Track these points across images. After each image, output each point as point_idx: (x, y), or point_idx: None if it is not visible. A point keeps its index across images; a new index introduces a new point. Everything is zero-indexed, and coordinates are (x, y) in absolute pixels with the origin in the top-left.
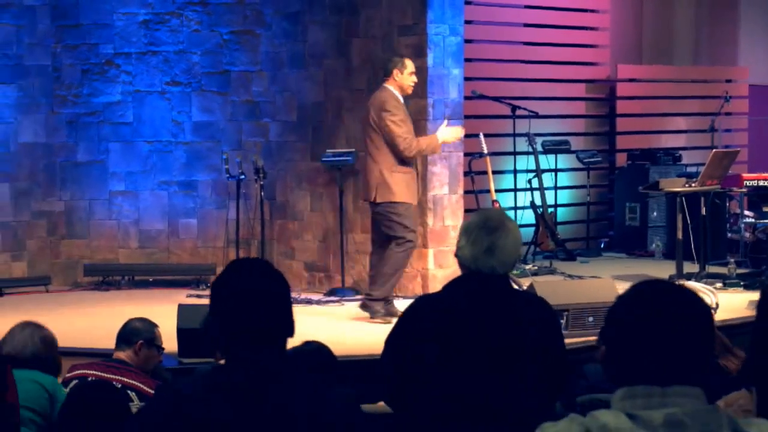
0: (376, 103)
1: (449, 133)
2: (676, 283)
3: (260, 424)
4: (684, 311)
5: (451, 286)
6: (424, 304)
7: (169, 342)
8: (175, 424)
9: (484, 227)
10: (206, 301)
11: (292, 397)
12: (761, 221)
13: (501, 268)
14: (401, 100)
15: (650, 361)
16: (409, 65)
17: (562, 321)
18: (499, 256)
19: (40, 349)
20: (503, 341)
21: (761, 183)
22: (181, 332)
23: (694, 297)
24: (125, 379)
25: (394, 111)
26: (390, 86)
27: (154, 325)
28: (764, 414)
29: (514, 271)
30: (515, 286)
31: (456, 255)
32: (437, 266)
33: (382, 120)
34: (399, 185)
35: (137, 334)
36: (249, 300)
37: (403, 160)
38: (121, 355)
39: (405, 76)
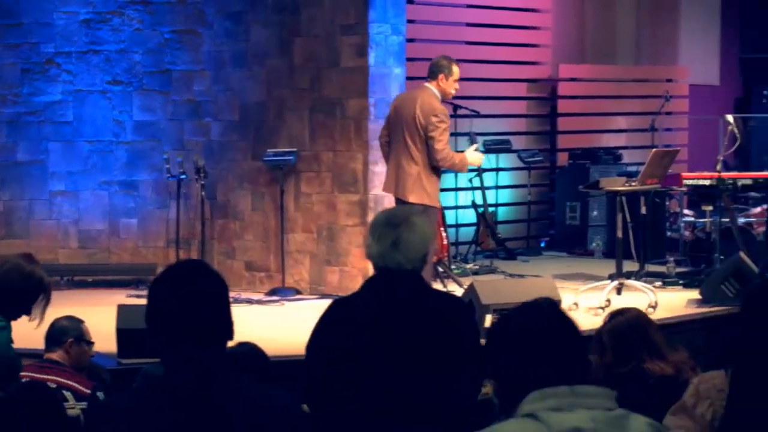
0: (425, 104)
1: (476, 157)
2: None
3: (200, 428)
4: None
5: (365, 286)
6: (338, 306)
7: (109, 343)
8: None
9: (388, 223)
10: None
11: (234, 400)
12: (701, 220)
13: (407, 263)
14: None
15: (537, 366)
16: (456, 72)
17: None
18: (404, 251)
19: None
20: (415, 339)
21: (701, 182)
22: (120, 333)
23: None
24: (60, 379)
25: (443, 118)
26: (433, 88)
27: (80, 321)
28: (737, 394)
29: (455, 270)
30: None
31: (366, 254)
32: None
33: (431, 124)
34: (434, 188)
35: (65, 332)
36: (187, 301)
37: (435, 165)
38: (53, 355)
39: (449, 83)
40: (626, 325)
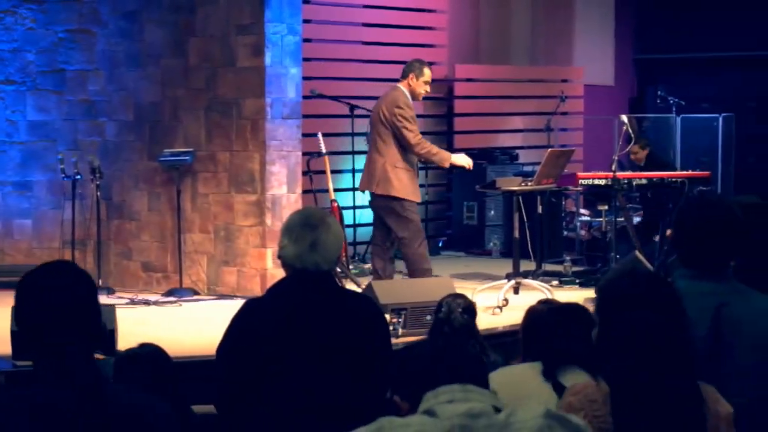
0: (389, 99)
1: (464, 159)
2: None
3: None
4: None
5: (277, 287)
6: (251, 307)
7: (4, 344)
8: None
9: (306, 225)
10: None
11: (102, 407)
12: (596, 219)
13: (325, 264)
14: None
15: None
16: (427, 74)
17: (400, 320)
18: (322, 252)
19: None
20: (330, 339)
21: (596, 182)
22: (15, 334)
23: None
24: None
25: (406, 108)
26: (403, 87)
27: None
28: (618, 404)
29: (353, 270)
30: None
31: (279, 256)
32: (276, 266)
33: (394, 116)
34: (401, 181)
35: None
36: (51, 304)
37: (406, 158)
38: None
39: (419, 83)
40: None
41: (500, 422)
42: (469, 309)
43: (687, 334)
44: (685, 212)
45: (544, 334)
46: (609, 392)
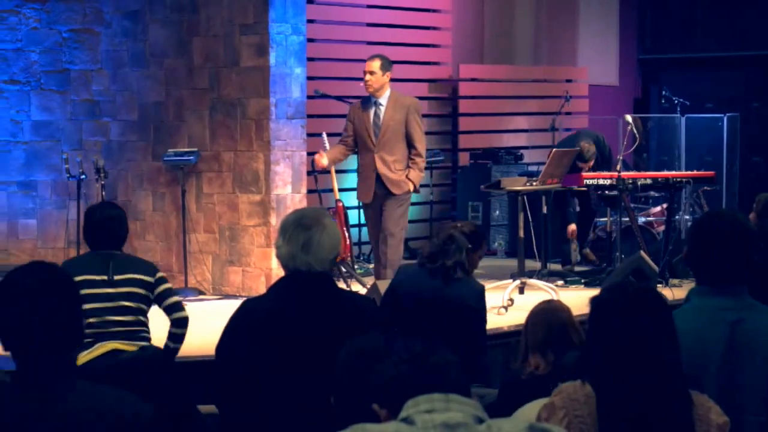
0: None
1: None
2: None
3: None
4: None
5: (275, 287)
6: (249, 307)
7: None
8: None
9: (299, 225)
10: None
11: (78, 410)
12: (601, 219)
13: (318, 264)
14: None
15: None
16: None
17: None
18: (315, 253)
19: None
20: (325, 340)
21: (600, 182)
22: None
23: None
24: None
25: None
26: None
27: None
28: (605, 407)
29: (358, 270)
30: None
31: (276, 255)
32: (281, 265)
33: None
34: None
35: None
36: (30, 305)
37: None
38: None
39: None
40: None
41: None
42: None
43: (674, 340)
44: (698, 228)
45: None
46: (592, 394)
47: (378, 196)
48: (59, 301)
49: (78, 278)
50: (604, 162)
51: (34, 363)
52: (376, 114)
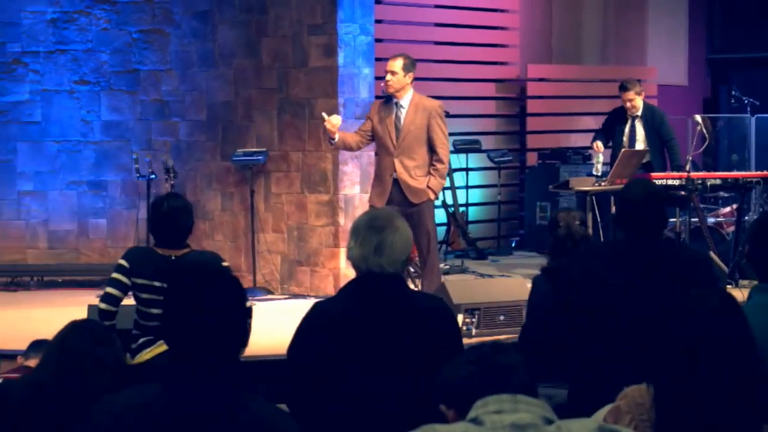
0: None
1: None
2: None
3: None
4: None
5: (346, 289)
6: (320, 309)
7: None
8: None
9: (371, 227)
10: None
11: (236, 420)
12: (670, 220)
13: (390, 266)
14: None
15: None
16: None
17: (473, 319)
18: (387, 255)
19: None
20: (399, 343)
21: (669, 182)
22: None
23: None
24: None
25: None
26: None
27: None
28: (663, 409)
29: None
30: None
31: (348, 257)
32: (349, 266)
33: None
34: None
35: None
36: (204, 309)
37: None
38: (30, 363)
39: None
40: None
41: None
42: (584, 221)
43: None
44: (758, 226)
45: None
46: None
47: (393, 202)
48: (232, 302)
49: (138, 281)
50: (660, 141)
51: (203, 371)
52: (396, 116)
